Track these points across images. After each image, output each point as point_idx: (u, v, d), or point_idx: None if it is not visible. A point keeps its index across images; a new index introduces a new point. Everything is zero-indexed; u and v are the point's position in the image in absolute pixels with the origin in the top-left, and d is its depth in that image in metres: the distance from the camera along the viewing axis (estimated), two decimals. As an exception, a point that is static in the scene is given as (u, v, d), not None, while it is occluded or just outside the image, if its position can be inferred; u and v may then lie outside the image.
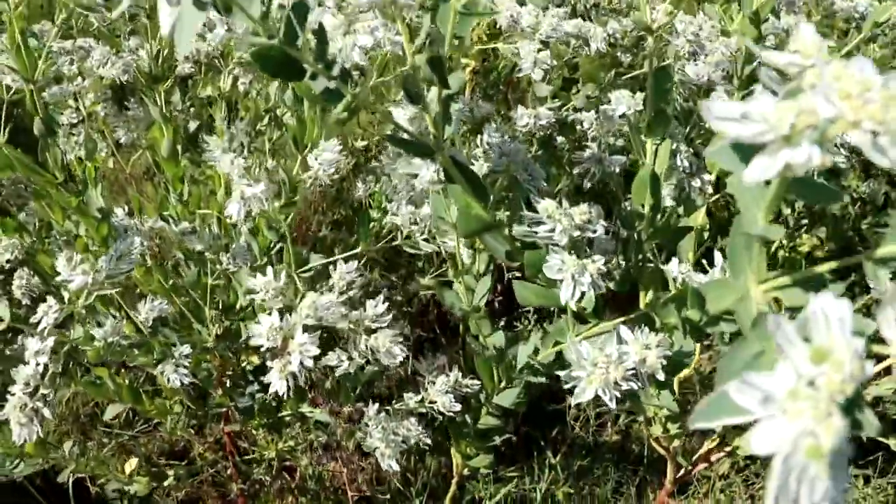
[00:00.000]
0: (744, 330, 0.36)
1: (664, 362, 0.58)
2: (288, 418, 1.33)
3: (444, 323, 1.87)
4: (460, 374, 1.07)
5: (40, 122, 0.86)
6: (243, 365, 1.29)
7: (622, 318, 0.69)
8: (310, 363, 0.69)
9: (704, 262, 0.85)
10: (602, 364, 0.58)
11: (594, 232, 0.62)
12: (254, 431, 1.48)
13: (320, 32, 0.60)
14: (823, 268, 0.38)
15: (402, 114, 0.84)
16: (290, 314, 0.73)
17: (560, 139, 1.38)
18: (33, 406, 0.75)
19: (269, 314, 0.71)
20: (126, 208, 1.27)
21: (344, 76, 0.61)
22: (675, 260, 0.71)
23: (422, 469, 1.58)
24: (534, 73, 1.03)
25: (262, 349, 0.70)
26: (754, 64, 1.16)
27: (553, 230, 0.62)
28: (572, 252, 0.61)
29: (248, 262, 1.10)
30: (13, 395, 0.76)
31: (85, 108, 1.42)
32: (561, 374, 0.59)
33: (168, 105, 1.33)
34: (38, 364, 0.77)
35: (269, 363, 0.70)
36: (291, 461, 1.59)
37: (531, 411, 1.69)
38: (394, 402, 1.06)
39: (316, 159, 0.96)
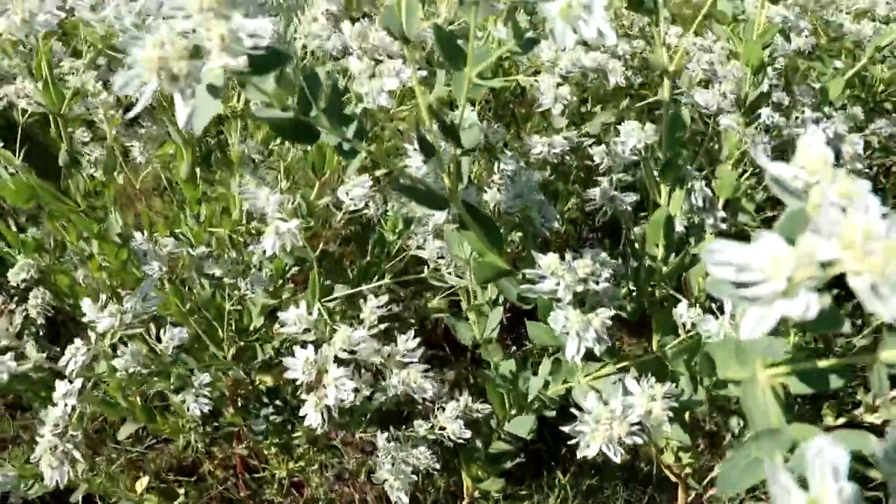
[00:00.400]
0: (746, 411, 0.39)
1: (671, 414, 0.61)
2: (298, 440, 1.37)
3: (453, 338, 1.91)
4: (470, 397, 1.11)
5: (66, 153, 0.90)
6: (257, 385, 1.33)
7: (632, 362, 0.72)
8: (345, 396, 0.73)
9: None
10: (605, 420, 0.60)
11: (598, 283, 0.65)
12: (265, 451, 1.51)
13: (334, 94, 0.63)
14: (827, 363, 0.42)
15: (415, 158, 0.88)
16: (320, 347, 0.76)
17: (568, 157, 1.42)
18: (63, 448, 0.78)
19: (304, 347, 0.75)
20: (139, 227, 1.31)
21: (359, 134, 0.64)
22: (683, 303, 0.74)
23: (430, 487, 1.62)
24: (554, 108, 1.07)
25: (297, 382, 0.73)
26: (760, 89, 1.20)
27: (557, 286, 0.65)
28: (577, 307, 0.64)
29: (265, 287, 1.14)
30: (43, 437, 0.80)
31: (106, 121, 1.45)
32: (566, 428, 0.62)
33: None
34: (66, 405, 0.80)
35: (304, 396, 0.74)
36: (301, 478, 1.62)
37: (540, 430, 1.72)
38: (403, 420, 1.10)
39: (347, 194, 1.00)
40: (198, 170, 1.29)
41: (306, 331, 0.85)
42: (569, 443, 0.64)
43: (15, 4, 0.69)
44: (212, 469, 1.62)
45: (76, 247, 1.30)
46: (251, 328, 1.32)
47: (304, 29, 0.99)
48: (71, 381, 0.82)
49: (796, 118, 1.27)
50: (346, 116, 0.66)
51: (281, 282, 1.27)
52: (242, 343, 1.31)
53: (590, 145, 1.19)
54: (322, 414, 0.77)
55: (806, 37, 1.49)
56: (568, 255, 0.67)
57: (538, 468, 1.68)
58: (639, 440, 0.60)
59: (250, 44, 0.48)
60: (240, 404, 1.44)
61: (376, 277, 1.44)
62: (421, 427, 1.02)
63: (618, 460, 0.61)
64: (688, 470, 1.16)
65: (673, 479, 1.25)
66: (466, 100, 0.69)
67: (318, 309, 0.88)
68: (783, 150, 1.24)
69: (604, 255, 0.68)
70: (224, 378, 1.32)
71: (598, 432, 0.61)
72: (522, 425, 1.00)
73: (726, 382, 0.57)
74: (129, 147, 1.51)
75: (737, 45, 1.63)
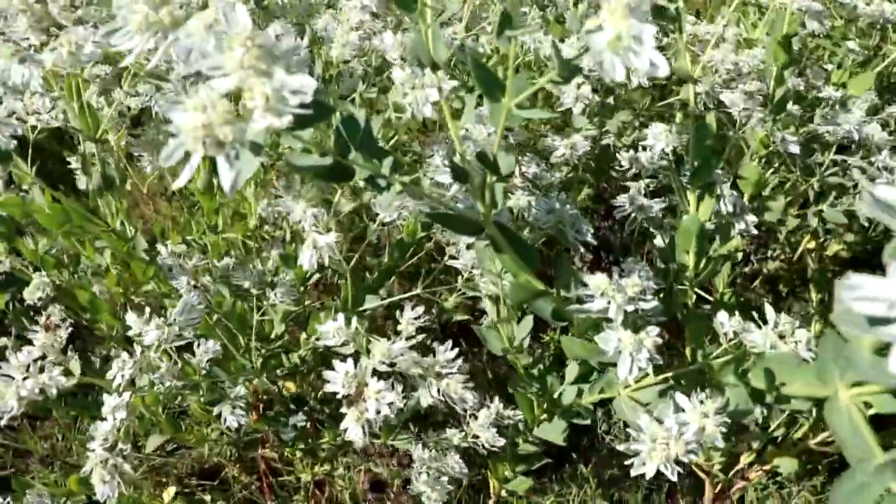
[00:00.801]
0: (833, 432, 0.42)
1: (724, 430, 0.64)
2: (325, 445, 1.41)
3: (468, 330, 1.94)
4: (497, 398, 1.14)
5: (100, 175, 0.93)
6: (283, 393, 1.37)
7: (672, 373, 0.75)
8: (387, 410, 0.75)
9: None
10: (662, 440, 0.63)
11: (647, 301, 0.67)
12: (289, 455, 1.55)
13: (368, 134, 0.65)
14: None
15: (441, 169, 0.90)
16: (358, 359, 0.79)
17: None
18: (114, 462, 0.82)
19: (343, 361, 0.77)
20: (147, 232, 1.33)
21: (395, 169, 0.66)
22: (723, 313, 0.76)
23: (455, 485, 1.66)
24: (575, 107, 1.10)
25: (338, 396, 0.76)
26: (785, 87, 1.22)
27: (607, 305, 0.67)
28: (627, 326, 0.66)
29: (293, 297, 1.17)
30: (93, 451, 0.83)
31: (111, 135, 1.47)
32: (621, 447, 0.64)
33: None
34: (115, 419, 0.84)
35: (344, 409, 0.76)
36: (323, 477, 1.67)
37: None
38: (423, 418, 1.13)
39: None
40: (215, 180, 1.32)
41: (344, 343, 0.88)
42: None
43: (61, 37, 0.71)
44: (235, 474, 1.66)
45: (90, 260, 1.32)
46: (273, 335, 1.36)
47: (342, 39, 1.01)
48: (120, 395, 0.85)
49: (824, 117, 1.29)
50: (382, 151, 0.67)
51: (302, 289, 1.30)
52: (265, 351, 1.34)
53: (611, 146, 1.22)
54: (363, 427, 0.80)
55: (821, 23, 1.52)
56: (615, 274, 0.69)
57: (560, 460, 1.73)
58: (695, 458, 0.63)
59: (295, 102, 0.47)
60: (262, 410, 1.48)
61: (393, 279, 1.47)
62: (455, 436, 1.05)
63: (674, 479, 0.63)
64: (717, 467, 1.20)
65: (701, 475, 1.29)
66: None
67: (355, 321, 0.90)
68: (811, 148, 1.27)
69: (647, 269, 0.71)
70: (248, 386, 1.36)
71: (656, 452, 0.63)
72: (555, 431, 1.03)
73: (790, 398, 0.59)
74: (139, 156, 1.54)
75: (749, 31, 1.65)
